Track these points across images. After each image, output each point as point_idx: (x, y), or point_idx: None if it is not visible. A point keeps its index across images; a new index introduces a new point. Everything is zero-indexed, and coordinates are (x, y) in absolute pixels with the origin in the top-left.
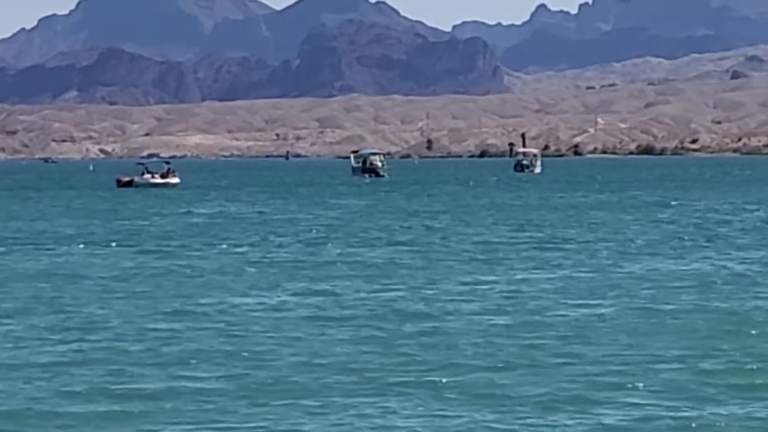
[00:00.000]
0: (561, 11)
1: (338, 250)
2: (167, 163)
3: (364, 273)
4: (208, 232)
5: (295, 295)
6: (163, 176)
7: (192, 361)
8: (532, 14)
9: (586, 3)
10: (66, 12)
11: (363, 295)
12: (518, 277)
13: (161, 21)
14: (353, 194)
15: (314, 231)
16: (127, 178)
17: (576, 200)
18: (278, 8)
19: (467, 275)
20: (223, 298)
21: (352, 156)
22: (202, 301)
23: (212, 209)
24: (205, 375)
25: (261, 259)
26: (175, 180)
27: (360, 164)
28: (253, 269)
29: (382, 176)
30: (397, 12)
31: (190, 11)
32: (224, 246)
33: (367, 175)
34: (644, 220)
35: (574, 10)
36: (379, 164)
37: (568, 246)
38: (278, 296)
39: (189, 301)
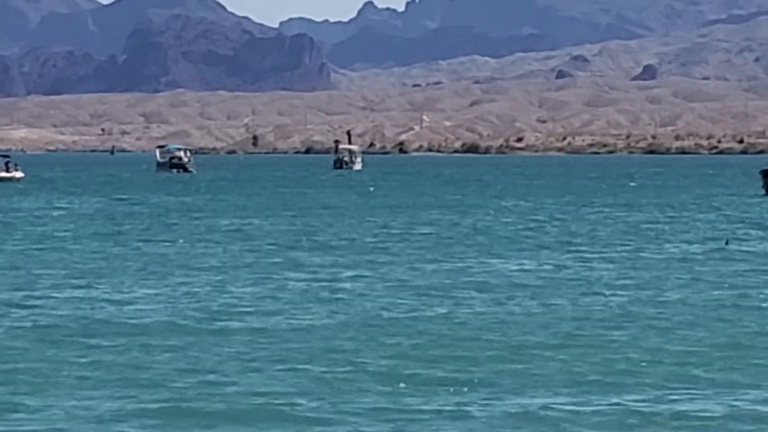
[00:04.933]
0: (388, 9)
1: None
2: (5, 156)
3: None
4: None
5: None
6: (7, 169)
7: None
8: (359, 11)
9: (413, 1)
10: None
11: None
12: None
13: None
14: (149, 190)
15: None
16: None
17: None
18: (105, 2)
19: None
20: None
21: (157, 151)
22: None
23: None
24: None
25: None
26: (20, 174)
27: (166, 159)
28: None
29: (190, 171)
30: (224, 8)
31: (15, 5)
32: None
33: (174, 170)
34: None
35: (401, 8)
36: (186, 159)
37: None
38: None
39: None
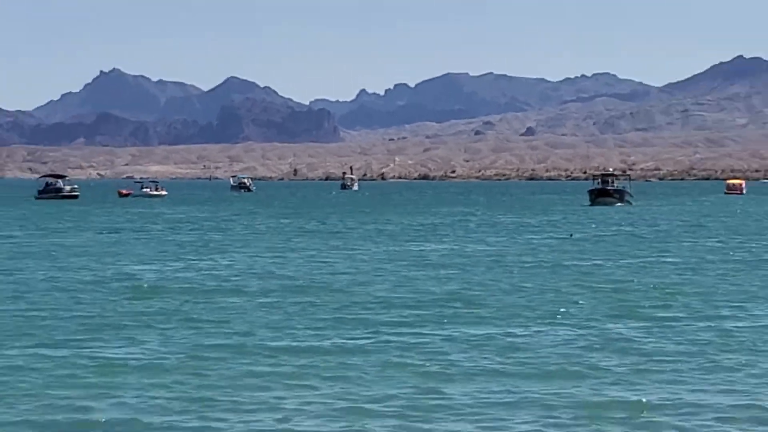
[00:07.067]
0: (374, 93)
1: None
2: (155, 182)
3: None
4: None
5: None
6: (156, 190)
7: None
8: (357, 95)
9: (390, 88)
10: (78, 89)
11: None
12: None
13: (135, 95)
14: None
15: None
16: (125, 191)
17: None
18: (205, 90)
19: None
20: None
21: (231, 178)
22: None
23: (173, 213)
24: None
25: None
26: (164, 192)
27: (236, 183)
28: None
29: (251, 191)
30: (275, 92)
31: (151, 92)
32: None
33: (242, 191)
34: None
35: (382, 93)
36: (248, 183)
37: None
38: None
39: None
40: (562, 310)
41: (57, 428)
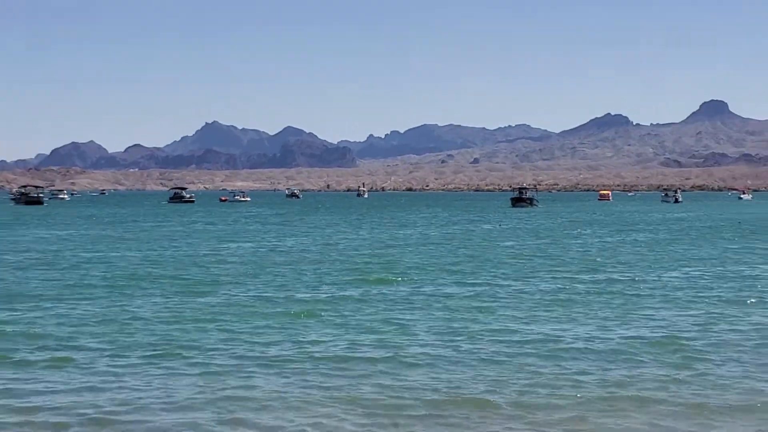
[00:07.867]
0: (378, 136)
1: None
2: (242, 192)
3: None
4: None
5: None
6: (243, 197)
7: None
8: (367, 137)
9: (387, 133)
10: (191, 133)
11: None
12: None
13: (228, 137)
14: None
15: None
16: (224, 198)
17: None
18: (272, 134)
19: None
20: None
21: (286, 190)
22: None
23: (251, 211)
24: None
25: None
26: (248, 199)
27: (290, 193)
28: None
29: (300, 198)
30: (316, 135)
31: (235, 135)
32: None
33: (293, 198)
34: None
35: (383, 136)
36: (298, 192)
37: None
38: None
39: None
40: (489, 273)
41: (157, 349)
